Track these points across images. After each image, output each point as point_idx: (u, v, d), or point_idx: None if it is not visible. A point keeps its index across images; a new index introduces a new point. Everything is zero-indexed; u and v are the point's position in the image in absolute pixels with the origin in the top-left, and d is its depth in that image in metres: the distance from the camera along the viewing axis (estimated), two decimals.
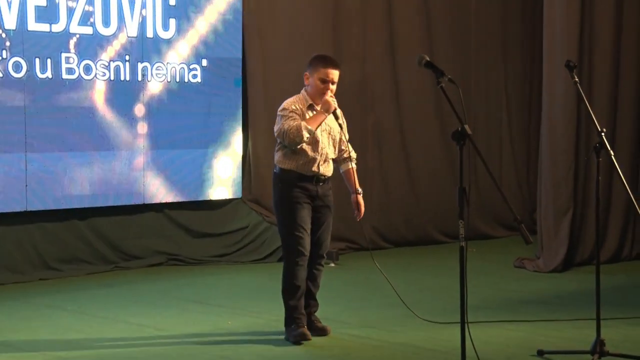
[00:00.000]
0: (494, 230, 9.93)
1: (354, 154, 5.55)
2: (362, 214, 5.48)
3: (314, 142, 5.29)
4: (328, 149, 5.37)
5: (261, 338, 5.38)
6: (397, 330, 5.60)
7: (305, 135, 5.14)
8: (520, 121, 10.38)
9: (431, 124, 9.54)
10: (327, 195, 5.40)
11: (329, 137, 5.38)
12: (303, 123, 5.16)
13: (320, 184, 5.34)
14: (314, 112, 5.30)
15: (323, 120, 5.26)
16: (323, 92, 5.27)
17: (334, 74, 5.29)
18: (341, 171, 5.58)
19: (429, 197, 9.50)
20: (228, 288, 7.13)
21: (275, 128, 5.30)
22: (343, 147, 5.50)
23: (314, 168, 5.30)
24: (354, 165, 5.53)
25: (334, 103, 5.25)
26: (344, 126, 5.45)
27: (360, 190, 5.48)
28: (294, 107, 5.26)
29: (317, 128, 5.22)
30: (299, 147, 5.22)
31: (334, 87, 5.30)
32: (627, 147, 8.23)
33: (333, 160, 5.46)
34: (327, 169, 5.38)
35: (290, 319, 5.30)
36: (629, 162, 8.23)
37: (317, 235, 5.40)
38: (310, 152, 5.28)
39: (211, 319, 5.94)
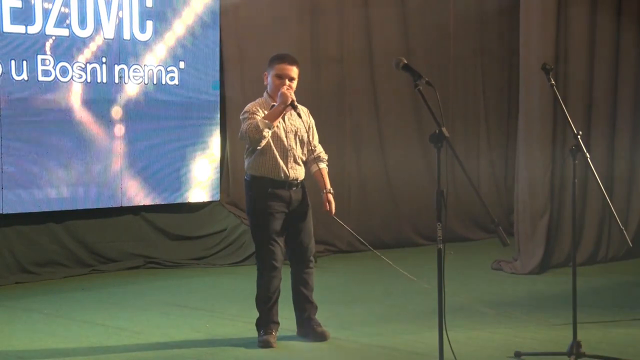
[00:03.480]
0: (472, 232, 9.97)
1: (324, 155, 5.49)
2: (334, 210, 5.37)
3: (280, 144, 5.22)
4: (296, 150, 5.30)
5: (239, 341, 5.37)
6: (375, 332, 5.60)
7: (264, 130, 5.05)
8: (498, 124, 10.42)
9: (409, 126, 9.55)
10: (302, 199, 5.34)
11: (295, 138, 5.30)
12: (260, 119, 5.10)
13: (293, 188, 5.28)
14: None
15: (281, 113, 5.15)
16: (280, 89, 5.17)
17: (290, 70, 5.24)
18: (312, 172, 5.48)
19: (407, 199, 9.51)
20: (206, 291, 7.11)
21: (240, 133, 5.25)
22: (311, 147, 5.42)
23: (285, 172, 5.23)
24: (323, 166, 5.46)
25: (292, 95, 5.13)
26: (312, 125, 5.40)
27: (331, 189, 5.39)
28: (254, 109, 5.20)
29: (275, 122, 5.13)
30: (260, 146, 5.10)
31: (293, 84, 5.24)
32: (602, 149, 8.28)
33: (304, 162, 5.39)
34: (299, 172, 5.31)
35: (260, 325, 5.32)
36: (605, 164, 8.29)
37: (299, 241, 5.36)
38: (278, 155, 5.22)
39: (189, 321, 5.93)
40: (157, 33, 7.95)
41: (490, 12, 10.25)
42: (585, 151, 4.75)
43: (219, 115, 8.36)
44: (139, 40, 7.84)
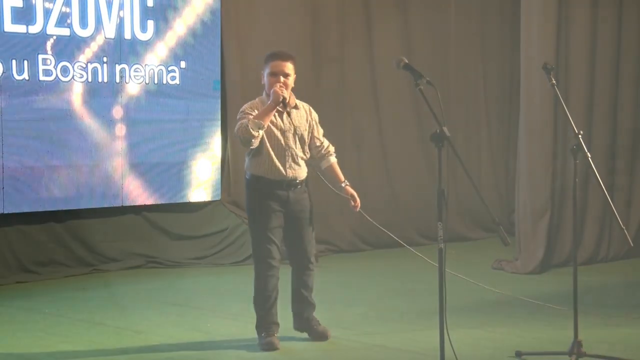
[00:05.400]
0: (473, 232, 9.96)
1: (331, 148, 5.45)
2: (359, 202, 5.37)
3: (277, 143, 5.16)
4: (295, 150, 5.22)
5: (240, 341, 5.37)
6: (376, 332, 5.61)
7: (253, 130, 4.98)
8: (499, 123, 10.41)
9: (410, 126, 9.55)
10: (302, 199, 5.27)
11: (294, 137, 5.22)
12: (250, 118, 5.03)
13: (292, 188, 5.22)
14: None
15: (271, 112, 5.07)
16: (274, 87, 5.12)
17: (283, 66, 5.16)
18: (322, 168, 5.44)
19: (408, 199, 9.51)
20: (207, 290, 7.11)
21: None
22: (317, 144, 5.39)
23: (282, 171, 5.17)
24: (334, 160, 5.43)
25: (283, 93, 5.06)
26: (315, 120, 5.35)
27: (346, 181, 5.38)
28: (248, 110, 5.14)
29: (266, 121, 5.04)
30: (253, 146, 5.05)
31: (288, 80, 5.16)
32: (603, 149, 8.28)
33: (310, 159, 5.34)
34: (298, 172, 5.24)
35: (261, 327, 5.27)
36: (605, 164, 8.28)
37: (298, 243, 5.32)
38: (274, 155, 5.16)
39: (190, 321, 5.93)
40: (158, 33, 7.95)
41: (491, 13, 10.24)
42: (586, 150, 4.75)
43: (219, 115, 8.36)
44: (140, 40, 7.84)
